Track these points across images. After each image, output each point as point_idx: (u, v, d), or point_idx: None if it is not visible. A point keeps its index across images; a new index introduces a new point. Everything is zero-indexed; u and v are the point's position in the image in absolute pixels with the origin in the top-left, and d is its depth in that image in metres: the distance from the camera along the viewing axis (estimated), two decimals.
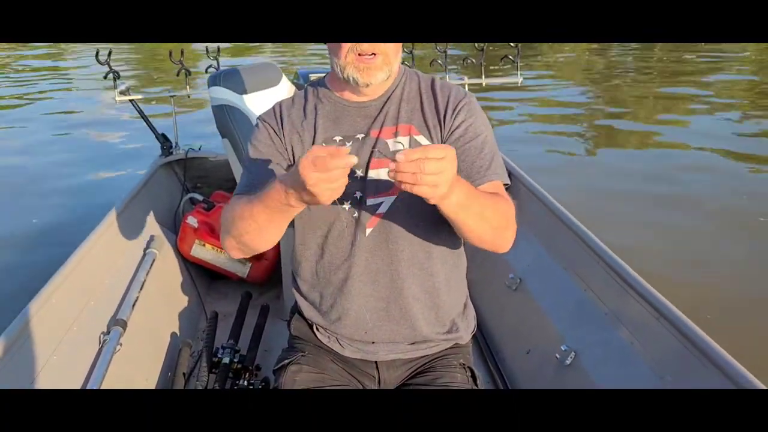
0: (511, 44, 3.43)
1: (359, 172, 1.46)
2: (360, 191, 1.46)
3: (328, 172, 1.11)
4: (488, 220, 1.31)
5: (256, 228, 1.33)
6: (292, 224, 1.64)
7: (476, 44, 3.44)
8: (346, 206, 1.46)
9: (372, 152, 1.45)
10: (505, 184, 1.48)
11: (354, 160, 1.11)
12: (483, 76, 3.42)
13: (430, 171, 1.08)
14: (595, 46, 13.64)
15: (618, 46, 12.70)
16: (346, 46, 1.38)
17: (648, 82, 9.18)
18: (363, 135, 1.47)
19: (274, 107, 1.55)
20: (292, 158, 1.50)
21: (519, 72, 3.44)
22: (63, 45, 16.46)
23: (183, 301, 2.75)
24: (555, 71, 10.77)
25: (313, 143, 1.48)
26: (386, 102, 1.49)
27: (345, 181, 1.14)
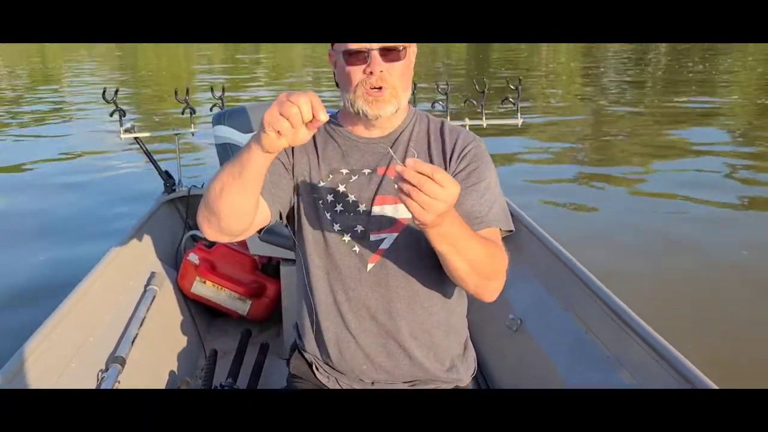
0: (512, 86, 3.48)
1: (363, 207, 1.48)
2: (362, 226, 1.47)
3: (291, 107, 1.10)
4: (473, 264, 1.30)
5: (220, 186, 1.28)
6: (294, 261, 1.65)
7: (477, 86, 3.50)
8: (346, 239, 1.48)
9: (377, 189, 1.48)
10: (508, 231, 1.49)
11: (323, 117, 1.12)
12: (483, 118, 3.46)
13: (428, 191, 1.08)
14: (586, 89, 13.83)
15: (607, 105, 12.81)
16: (355, 81, 1.41)
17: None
18: (370, 171, 1.49)
19: None
20: (293, 180, 1.51)
21: (519, 114, 3.48)
22: (66, 86, 16.63)
23: (182, 338, 2.73)
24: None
25: (320, 171, 1.51)
26: (395, 141, 1.52)
27: (293, 131, 1.12)
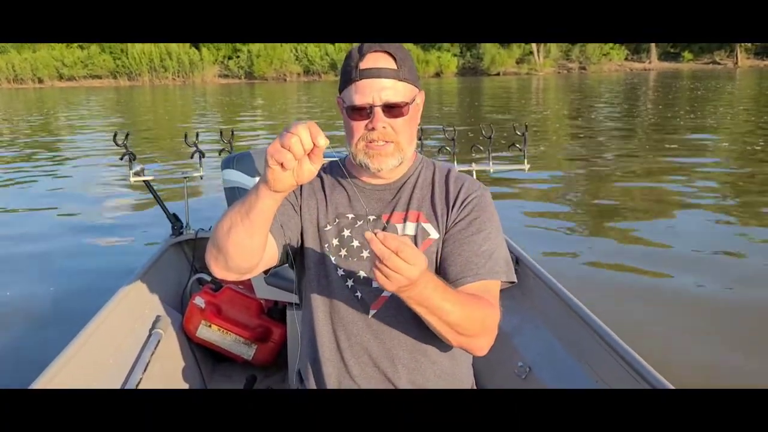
0: (518, 132, 3.51)
1: (366, 253, 1.49)
2: (365, 272, 1.48)
3: (291, 137, 1.11)
4: (451, 324, 1.30)
5: (228, 225, 1.28)
6: (299, 306, 1.65)
7: (484, 132, 3.52)
8: (349, 283, 1.48)
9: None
10: (510, 282, 1.48)
11: (322, 142, 1.12)
12: (490, 164, 3.48)
13: (391, 265, 1.10)
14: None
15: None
16: (357, 135, 1.43)
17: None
18: (374, 217, 1.51)
19: None
20: (301, 221, 1.53)
21: (526, 159, 3.50)
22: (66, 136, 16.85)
23: (185, 384, 2.70)
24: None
25: (327, 214, 1.53)
26: (401, 188, 1.54)
27: (296, 163, 1.13)
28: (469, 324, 1.32)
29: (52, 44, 70.99)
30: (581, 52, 65.19)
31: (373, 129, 1.41)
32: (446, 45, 65.67)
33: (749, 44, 62.24)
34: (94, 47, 68.72)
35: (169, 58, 68.41)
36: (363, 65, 1.41)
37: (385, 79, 1.41)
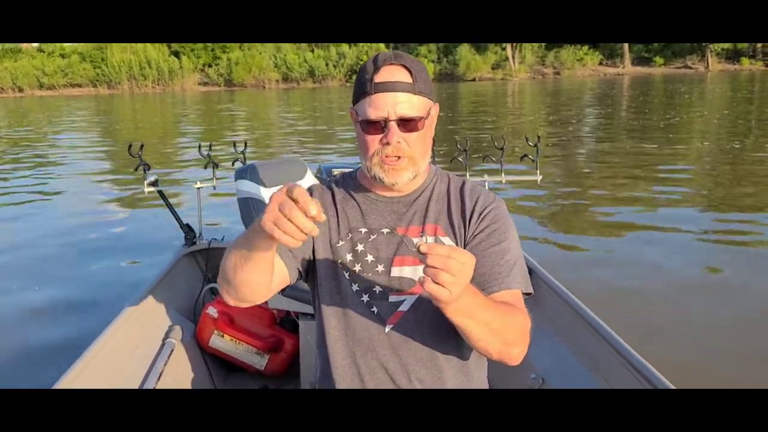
0: (530, 143, 3.51)
1: (382, 267, 1.47)
2: (381, 286, 1.46)
3: (288, 205, 1.09)
4: (494, 332, 1.28)
5: (232, 264, 1.30)
6: (312, 316, 1.64)
7: (496, 143, 3.53)
8: (365, 299, 1.46)
9: (396, 249, 1.47)
10: (527, 293, 1.47)
11: (323, 217, 1.10)
12: (503, 174, 3.48)
13: (453, 270, 1.08)
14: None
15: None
16: (372, 149, 1.42)
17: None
18: (389, 231, 1.49)
19: (309, 188, 1.56)
20: (312, 239, 1.50)
21: (538, 171, 3.49)
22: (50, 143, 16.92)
23: None
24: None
25: (339, 230, 1.51)
26: (415, 200, 1.51)
27: (292, 227, 1.10)
28: (509, 329, 1.31)
29: (33, 53, 71.78)
30: (556, 58, 65.05)
31: (387, 143, 1.40)
32: (423, 51, 65.28)
33: (720, 49, 62.40)
34: (74, 56, 68.78)
35: (148, 67, 67.92)
36: (378, 78, 1.39)
37: (401, 93, 1.39)
